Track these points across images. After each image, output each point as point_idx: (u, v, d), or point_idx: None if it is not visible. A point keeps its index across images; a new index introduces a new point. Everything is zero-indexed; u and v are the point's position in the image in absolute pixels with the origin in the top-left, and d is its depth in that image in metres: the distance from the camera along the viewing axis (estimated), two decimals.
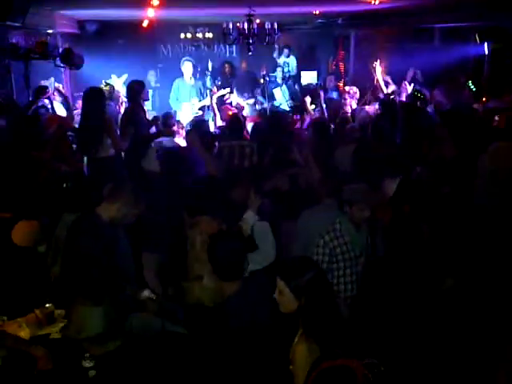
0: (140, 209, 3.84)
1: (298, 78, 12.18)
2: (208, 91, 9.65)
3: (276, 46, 11.91)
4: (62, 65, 7.92)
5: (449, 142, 5.91)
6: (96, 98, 6.64)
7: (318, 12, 10.14)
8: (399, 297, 3.65)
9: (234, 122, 7.02)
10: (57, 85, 8.21)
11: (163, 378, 2.94)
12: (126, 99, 8.29)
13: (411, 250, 3.98)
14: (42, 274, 4.14)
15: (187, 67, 9.77)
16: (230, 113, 9.01)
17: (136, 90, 7.05)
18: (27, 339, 3.46)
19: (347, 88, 9.37)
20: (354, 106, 8.88)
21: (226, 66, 11.39)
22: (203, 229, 4.12)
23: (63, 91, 8.19)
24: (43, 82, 8.44)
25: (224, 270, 3.50)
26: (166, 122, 7.84)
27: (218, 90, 9.64)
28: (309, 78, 12.20)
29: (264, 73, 11.06)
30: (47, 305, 3.69)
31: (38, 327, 3.61)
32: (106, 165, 6.49)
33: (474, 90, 8.56)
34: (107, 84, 8.95)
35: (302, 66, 12.53)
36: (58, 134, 6.71)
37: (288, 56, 12.29)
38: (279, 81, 11.12)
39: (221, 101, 9.74)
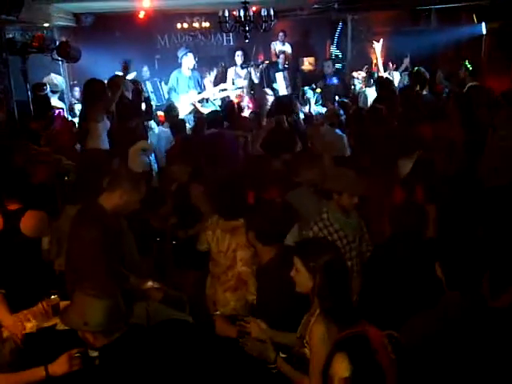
0: (142, 194, 3.80)
1: (295, 64, 12.07)
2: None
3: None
4: (59, 58, 7.90)
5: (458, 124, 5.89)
6: (87, 88, 6.78)
7: None
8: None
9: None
10: None
11: (167, 366, 2.96)
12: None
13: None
14: (47, 266, 4.16)
15: (189, 59, 9.65)
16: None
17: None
18: (34, 331, 3.50)
19: (355, 74, 9.46)
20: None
21: (238, 53, 10.33)
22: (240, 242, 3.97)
23: None
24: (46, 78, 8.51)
25: (264, 232, 3.52)
26: (169, 112, 7.89)
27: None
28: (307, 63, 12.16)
29: (262, 59, 10.97)
30: (52, 296, 3.72)
31: (44, 319, 3.66)
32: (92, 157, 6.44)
33: (471, 69, 8.52)
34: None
35: (299, 53, 12.42)
36: (63, 126, 6.76)
37: (283, 43, 12.10)
38: (280, 66, 10.98)
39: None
